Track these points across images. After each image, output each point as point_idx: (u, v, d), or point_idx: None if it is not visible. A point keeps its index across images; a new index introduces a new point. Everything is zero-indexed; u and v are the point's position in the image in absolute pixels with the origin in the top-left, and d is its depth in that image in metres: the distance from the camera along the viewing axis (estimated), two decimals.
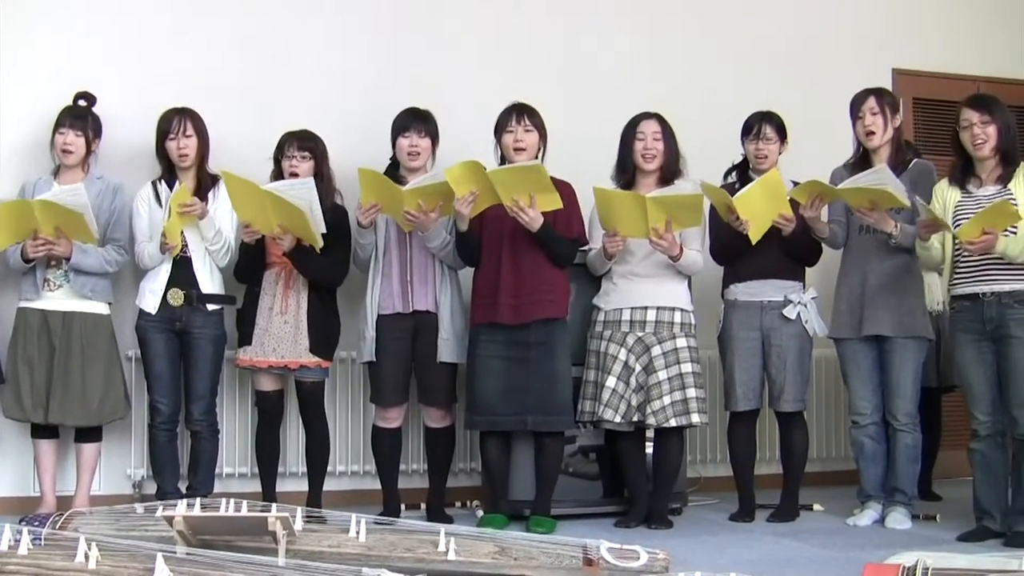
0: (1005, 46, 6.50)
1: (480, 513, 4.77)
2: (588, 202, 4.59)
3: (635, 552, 3.33)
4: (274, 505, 3.50)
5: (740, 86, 5.71)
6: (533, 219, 4.36)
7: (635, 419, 4.54)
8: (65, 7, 4.98)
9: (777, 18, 6.08)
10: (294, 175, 4.54)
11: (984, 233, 4.03)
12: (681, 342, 4.56)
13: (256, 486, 4.75)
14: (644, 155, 4.61)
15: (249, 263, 4.62)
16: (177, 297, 4.53)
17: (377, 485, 4.78)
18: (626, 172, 4.67)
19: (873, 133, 4.60)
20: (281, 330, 4.55)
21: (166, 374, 4.58)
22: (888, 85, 5.43)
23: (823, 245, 4.78)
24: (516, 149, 4.54)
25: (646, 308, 4.56)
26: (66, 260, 4.41)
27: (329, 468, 4.81)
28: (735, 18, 6.01)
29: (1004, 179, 4.25)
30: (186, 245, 4.54)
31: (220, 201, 4.58)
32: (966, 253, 4.22)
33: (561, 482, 4.66)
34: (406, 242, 4.62)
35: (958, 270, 4.30)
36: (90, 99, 4.69)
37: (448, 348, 4.61)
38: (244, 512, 3.41)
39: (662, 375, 4.51)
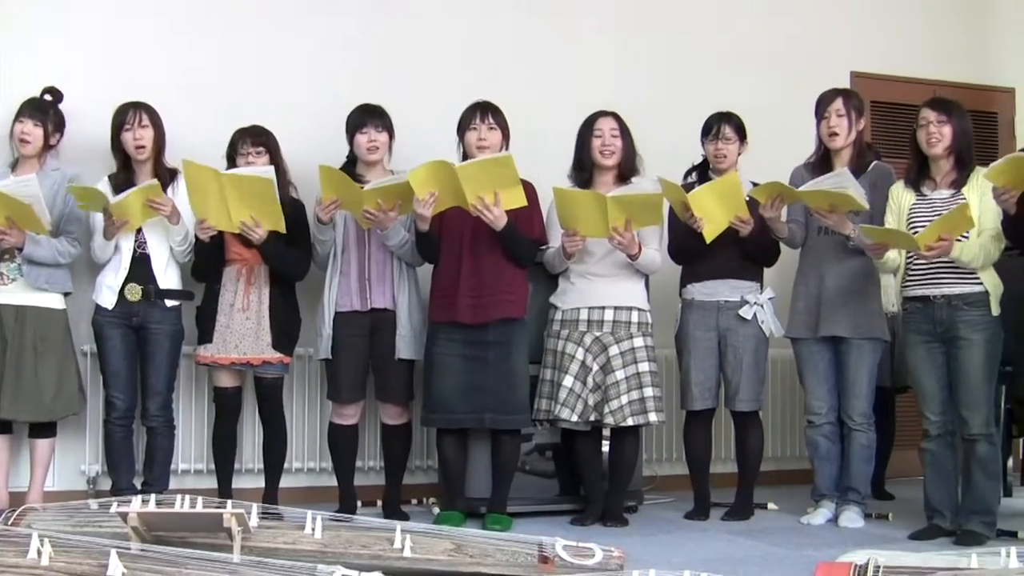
0: (964, 51, 6.58)
1: (436, 510, 4.77)
2: (546, 201, 4.60)
3: (590, 550, 3.35)
4: (230, 502, 3.49)
5: (700, 87, 5.74)
6: (497, 218, 4.35)
7: (592, 419, 4.55)
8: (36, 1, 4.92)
9: (737, 20, 6.11)
10: None
11: (940, 239, 4.07)
12: (638, 341, 4.58)
13: (212, 483, 4.72)
14: (602, 151, 4.61)
15: (206, 261, 4.59)
16: (135, 292, 4.49)
17: (333, 482, 4.78)
18: (584, 170, 4.67)
19: (836, 134, 4.62)
20: (243, 326, 4.53)
21: (122, 370, 4.54)
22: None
23: (781, 245, 4.81)
24: (479, 147, 4.53)
25: (604, 308, 4.58)
26: (18, 250, 4.37)
27: (286, 465, 4.80)
28: (697, 21, 6.03)
29: (958, 183, 4.28)
30: (144, 242, 4.51)
31: (178, 197, 4.53)
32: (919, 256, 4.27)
33: (517, 480, 4.67)
34: (365, 240, 4.60)
35: (910, 272, 4.34)
36: (56, 95, 4.64)
37: (406, 345, 4.60)
38: (199, 508, 3.40)
39: (619, 374, 4.53)
